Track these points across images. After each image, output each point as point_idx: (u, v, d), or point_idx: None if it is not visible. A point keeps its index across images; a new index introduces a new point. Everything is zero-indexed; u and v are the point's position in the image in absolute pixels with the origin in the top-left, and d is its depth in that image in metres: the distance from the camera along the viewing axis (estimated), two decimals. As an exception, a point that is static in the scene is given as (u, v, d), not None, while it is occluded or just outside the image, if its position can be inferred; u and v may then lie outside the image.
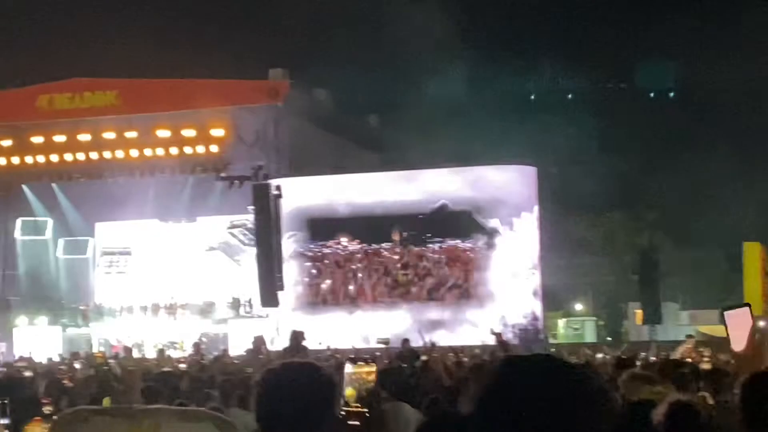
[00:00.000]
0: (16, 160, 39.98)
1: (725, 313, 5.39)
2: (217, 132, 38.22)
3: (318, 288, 38.92)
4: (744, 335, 5.04)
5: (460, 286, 37.69)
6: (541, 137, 41.27)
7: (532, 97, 58.83)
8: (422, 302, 37.51)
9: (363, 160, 40.57)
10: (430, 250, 37.86)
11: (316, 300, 38.80)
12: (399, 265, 38.14)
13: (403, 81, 48.62)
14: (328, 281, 38.88)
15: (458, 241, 37.55)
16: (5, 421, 12.82)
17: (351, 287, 38.64)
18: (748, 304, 5.26)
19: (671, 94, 58.17)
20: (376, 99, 50.61)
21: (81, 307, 42.46)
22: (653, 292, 37.74)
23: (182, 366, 26.12)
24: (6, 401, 12.76)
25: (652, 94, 57.96)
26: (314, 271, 38.96)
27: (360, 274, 38.54)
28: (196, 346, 33.43)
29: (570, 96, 58.51)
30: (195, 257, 43.05)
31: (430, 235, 37.80)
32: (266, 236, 37.02)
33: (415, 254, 38.00)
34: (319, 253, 38.94)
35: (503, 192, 37.31)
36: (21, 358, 32.21)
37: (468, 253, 37.60)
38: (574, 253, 48.61)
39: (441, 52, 46.45)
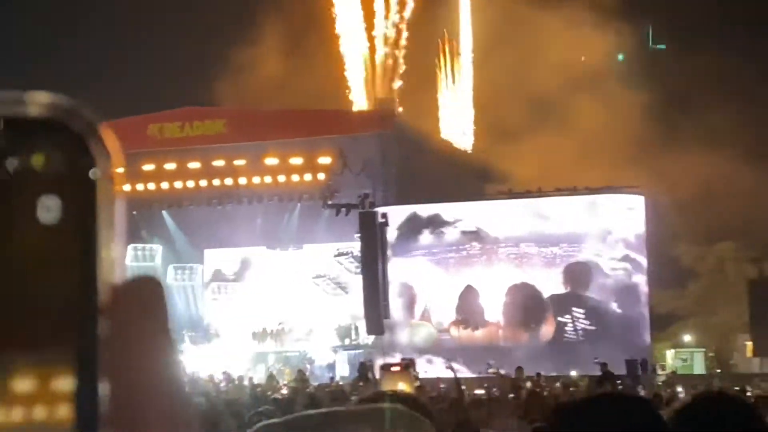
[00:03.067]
0: (127, 187, 39.81)
1: None
2: (324, 160, 38.54)
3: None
4: None
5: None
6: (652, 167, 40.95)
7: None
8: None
9: (470, 187, 40.50)
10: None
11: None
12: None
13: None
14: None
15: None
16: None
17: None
18: None
19: None
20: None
21: (189, 334, 42.98)
22: (764, 324, 37.03)
23: (284, 392, 26.33)
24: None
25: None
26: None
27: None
28: (301, 372, 33.66)
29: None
30: (302, 284, 43.36)
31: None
32: (372, 263, 37.15)
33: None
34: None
35: (611, 220, 36.98)
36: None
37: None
38: (683, 284, 47.92)
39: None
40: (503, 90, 51.38)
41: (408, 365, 14.66)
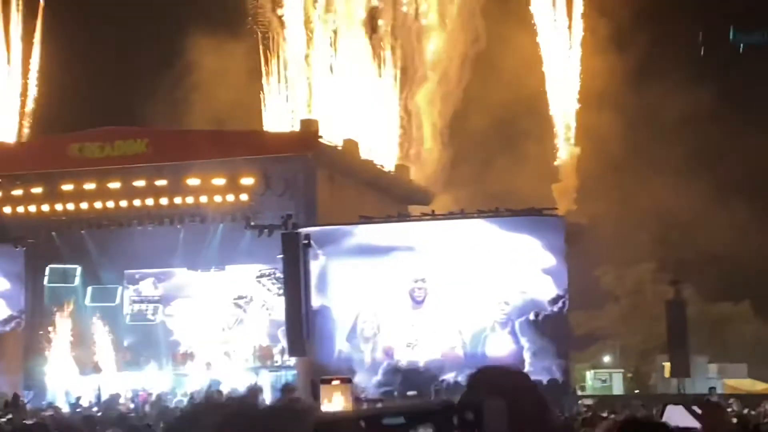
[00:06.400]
0: (46, 207, 40.24)
1: None
2: (247, 181, 38.41)
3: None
4: None
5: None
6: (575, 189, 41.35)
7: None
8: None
9: (393, 208, 40.54)
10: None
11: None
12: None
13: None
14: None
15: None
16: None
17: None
18: None
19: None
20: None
21: (109, 356, 42.40)
22: (681, 345, 37.51)
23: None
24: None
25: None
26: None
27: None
28: (220, 394, 33.44)
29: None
30: (224, 306, 43.10)
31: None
32: (295, 285, 37.09)
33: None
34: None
35: (532, 242, 37.20)
36: (49, 406, 32.34)
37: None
38: (602, 305, 48.48)
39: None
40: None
41: (348, 380, 14.58)
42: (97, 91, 51.26)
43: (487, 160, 46.74)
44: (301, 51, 49.40)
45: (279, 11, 49.60)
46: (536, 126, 48.43)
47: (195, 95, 46.39)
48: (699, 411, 6.03)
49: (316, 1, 49.52)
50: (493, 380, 3.63)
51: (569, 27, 47.53)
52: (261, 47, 49.83)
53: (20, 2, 49.81)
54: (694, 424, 5.77)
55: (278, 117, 48.35)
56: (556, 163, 46.15)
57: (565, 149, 46.36)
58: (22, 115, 49.60)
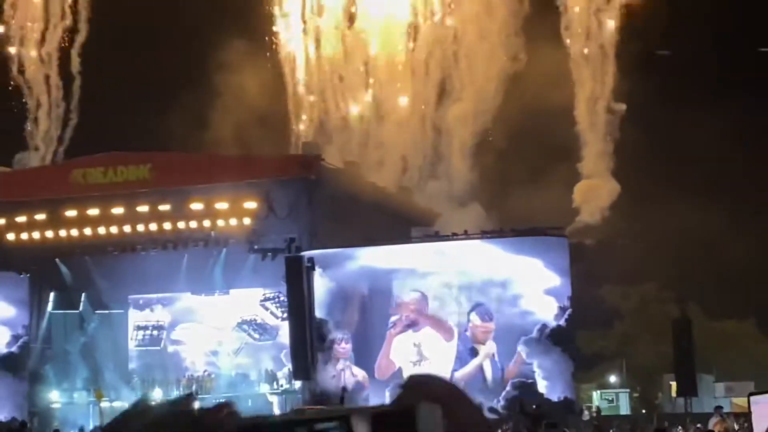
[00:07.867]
0: (49, 234, 40.23)
1: (752, 398, 5.03)
2: (250, 204, 38.43)
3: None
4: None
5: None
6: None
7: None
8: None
9: (397, 230, 40.46)
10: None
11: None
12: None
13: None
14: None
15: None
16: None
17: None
18: None
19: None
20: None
21: (114, 382, 42.26)
22: (688, 364, 37.35)
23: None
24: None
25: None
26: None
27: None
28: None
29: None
30: (228, 330, 43.01)
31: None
32: (299, 308, 36.99)
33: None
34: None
35: (535, 263, 37.13)
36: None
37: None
38: (607, 324, 48.33)
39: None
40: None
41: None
42: (110, 110, 51.47)
43: (514, 179, 46.59)
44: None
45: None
46: (564, 145, 48.44)
47: (217, 111, 46.33)
48: None
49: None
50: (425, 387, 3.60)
51: (601, 46, 47.79)
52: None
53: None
54: None
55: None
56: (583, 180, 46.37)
57: (593, 168, 46.53)
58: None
